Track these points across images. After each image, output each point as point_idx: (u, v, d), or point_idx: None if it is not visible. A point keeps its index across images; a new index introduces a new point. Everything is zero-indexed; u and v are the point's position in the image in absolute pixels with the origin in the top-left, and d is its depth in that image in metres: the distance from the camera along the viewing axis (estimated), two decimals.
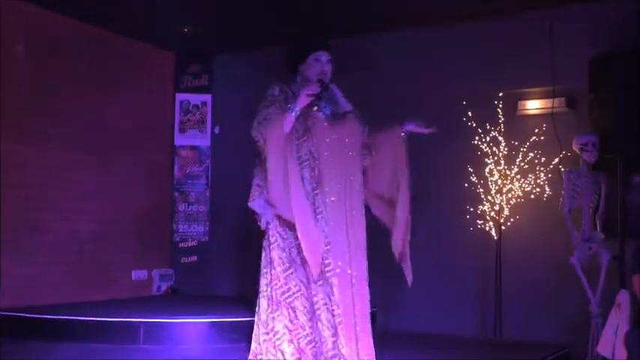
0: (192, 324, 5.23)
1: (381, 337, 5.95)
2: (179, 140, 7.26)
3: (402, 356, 5.06)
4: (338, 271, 3.35)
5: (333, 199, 3.37)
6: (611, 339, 4.35)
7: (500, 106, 5.62)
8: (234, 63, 7.13)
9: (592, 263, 4.98)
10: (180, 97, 7.31)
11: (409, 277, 3.57)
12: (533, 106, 5.81)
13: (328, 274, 3.34)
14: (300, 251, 3.33)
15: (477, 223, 5.58)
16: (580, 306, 5.02)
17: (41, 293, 5.77)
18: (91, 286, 6.26)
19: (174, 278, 7.13)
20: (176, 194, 7.24)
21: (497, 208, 5.48)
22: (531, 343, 5.35)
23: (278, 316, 3.36)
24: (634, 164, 4.92)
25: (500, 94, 5.64)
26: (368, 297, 3.48)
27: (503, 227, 5.47)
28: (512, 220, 5.50)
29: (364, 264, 3.47)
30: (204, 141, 7.25)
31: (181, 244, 7.22)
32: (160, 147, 7.15)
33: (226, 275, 6.84)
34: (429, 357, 4.96)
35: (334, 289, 3.33)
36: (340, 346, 3.31)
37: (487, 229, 5.52)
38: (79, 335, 5.16)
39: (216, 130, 7.25)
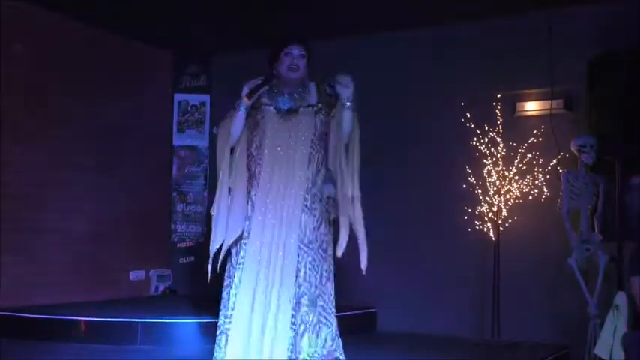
0: (190, 324, 5.22)
1: (379, 337, 5.99)
2: (177, 140, 7.25)
3: (400, 357, 5.07)
4: (241, 266, 3.36)
5: (259, 194, 3.36)
6: (609, 340, 4.35)
7: (499, 107, 5.62)
8: (233, 63, 7.11)
9: (590, 265, 4.99)
10: (178, 97, 7.30)
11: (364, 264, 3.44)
12: (532, 107, 5.81)
13: (238, 266, 3.38)
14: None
15: (475, 224, 5.58)
16: (578, 307, 5.03)
17: (39, 293, 5.76)
18: (88, 286, 6.25)
19: (172, 278, 7.12)
20: (174, 194, 7.24)
21: (495, 209, 5.48)
22: (529, 344, 5.35)
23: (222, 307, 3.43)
24: (632, 166, 4.92)
25: (499, 96, 5.64)
26: (286, 302, 3.29)
27: (501, 228, 5.47)
28: (510, 221, 5.50)
29: (292, 267, 3.32)
30: (202, 141, 7.24)
31: (179, 245, 7.21)
32: (158, 147, 7.14)
33: (224, 276, 6.82)
34: (426, 358, 4.96)
35: (232, 284, 3.39)
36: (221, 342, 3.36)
37: (485, 230, 5.52)
38: (76, 335, 5.16)
39: (215, 130, 7.23)
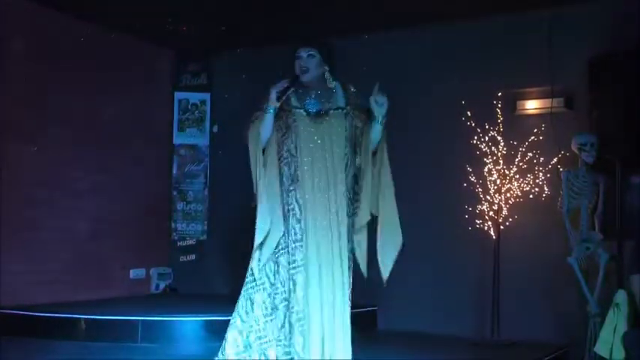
0: (191, 322, 5.23)
1: (380, 336, 6.00)
2: (178, 139, 7.25)
3: (400, 356, 5.07)
4: (302, 269, 3.29)
5: (307, 196, 3.34)
6: (610, 339, 4.36)
7: (499, 105, 5.62)
8: (233, 62, 7.12)
9: (590, 263, 4.99)
10: (179, 95, 7.30)
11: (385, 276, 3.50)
12: (532, 105, 5.81)
13: (292, 271, 3.31)
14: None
15: (476, 223, 5.58)
16: (578, 306, 5.03)
17: (39, 292, 5.76)
18: (89, 284, 6.26)
19: (172, 277, 7.13)
20: (174, 193, 7.24)
21: (495, 207, 5.48)
22: (529, 343, 5.35)
23: (238, 306, 3.37)
24: (632, 164, 4.93)
25: (499, 94, 5.64)
26: (345, 302, 3.36)
27: (501, 227, 5.47)
28: (510, 219, 5.49)
29: (339, 267, 3.35)
30: (203, 140, 7.25)
31: (180, 243, 7.21)
32: (159, 145, 7.14)
33: (224, 274, 6.84)
34: (427, 357, 4.97)
35: (297, 287, 3.28)
36: (296, 345, 3.25)
37: (486, 228, 5.52)
38: (77, 333, 5.17)
39: (215, 129, 7.24)
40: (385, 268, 3.48)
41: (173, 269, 7.15)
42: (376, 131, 3.41)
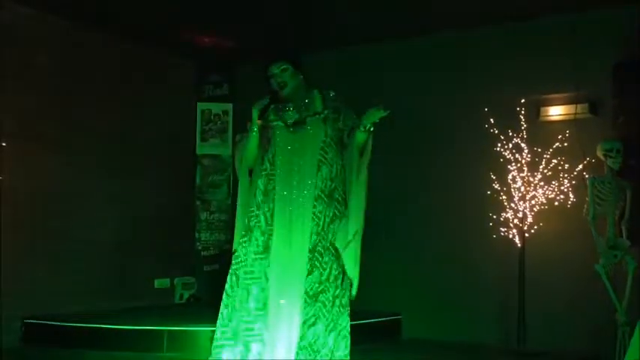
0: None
1: (405, 344, 5.96)
2: (201, 149, 7.30)
3: None
4: (258, 282, 3.30)
5: (273, 208, 3.36)
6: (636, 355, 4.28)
7: (523, 112, 5.58)
8: (255, 72, 7.12)
9: (618, 271, 4.92)
10: (201, 106, 7.35)
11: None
12: (556, 112, 5.77)
13: (249, 282, 3.33)
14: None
15: (501, 231, 5.54)
16: (606, 315, 4.96)
17: (64, 301, 5.81)
18: (113, 294, 6.29)
19: (196, 286, 7.16)
20: (198, 203, 7.28)
21: (520, 215, 5.43)
22: (556, 352, 5.29)
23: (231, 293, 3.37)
24: None
25: (523, 101, 5.60)
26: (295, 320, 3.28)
27: (526, 234, 5.42)
28: (535, 227, 5.45)
29: (299, 281, 3.30)
30: (225, 150, 7.28)
31: (203, 253, 7.25)
32: (182, 156, 7.19)
33: None
34: None
35: (250, 298, 3.30)
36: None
37: (510, 236, 5.47)
38: (103, 343, 5.20)
39: (238, 138, 7.26)
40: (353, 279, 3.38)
41: (197, 279, 7.18)
42: (360, 137, 3.37)
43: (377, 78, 6.39)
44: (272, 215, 3.36)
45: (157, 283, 6.87)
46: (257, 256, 3.34)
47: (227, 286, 3.41)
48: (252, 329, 3.27)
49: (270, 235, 3.35)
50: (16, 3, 5.60)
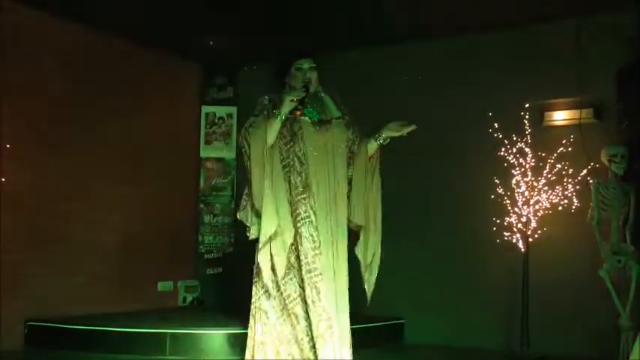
0: (218, 335, 5.23)
1: (407, 349, 5.95)
2: (204, 152, 7.31)
3: None
4: (322, 277, 3.30)
5: (317, 204, 3.36)
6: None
7: (527, 117, 5.57)
8: (260, 75, 7.16)
9: (622, 276, 4.90)
10: (205, 109, 7.37)
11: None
12: (561, 117, 5.76)
13: (315, 279, 3.29)
14: (297, 254, 3.34)
15: (504, 235, 5.53)
16: (610, 319, 4.94)
17: (67, 304, 5.82)
18: (116, 297, 6.30)
19: (199, 289, 7.16)
20: (201, 206, 7.29)
21: (524, 219, 5.43)
22: (559, 357, 5.28)
23: (284, 322, 3.36)
24: None
25: (527, 105, 5.60)
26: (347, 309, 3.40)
27: (530, 239, 5.41)
28: (539, 232, 5.44)
29: (345, 276, 3.41)
30: (229, 153, 7.29)
31: (207, 256, 7.25)
32: (186, 159, 7.20)
33: (251, 287, 6.84)
34: None
35: (320, 296, 3.27)
36: (318, 350, 3.25)
37: (514, 241, 5.46)
38: (106, 346, 5.21)
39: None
40: (370, 287, 3.50)
41: (200, 282, 7.18)
42: (372, 147, 3.50)
43: (378, 82, 6.40)
44: (315, 213, 3.35)
45: (160, 285, 6.87)
46: (315, 252, 3.33)
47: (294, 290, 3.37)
48: (331, 327, 3.27)
49: (319, 230, 3.35)
50: (16, 3, 5.60)
